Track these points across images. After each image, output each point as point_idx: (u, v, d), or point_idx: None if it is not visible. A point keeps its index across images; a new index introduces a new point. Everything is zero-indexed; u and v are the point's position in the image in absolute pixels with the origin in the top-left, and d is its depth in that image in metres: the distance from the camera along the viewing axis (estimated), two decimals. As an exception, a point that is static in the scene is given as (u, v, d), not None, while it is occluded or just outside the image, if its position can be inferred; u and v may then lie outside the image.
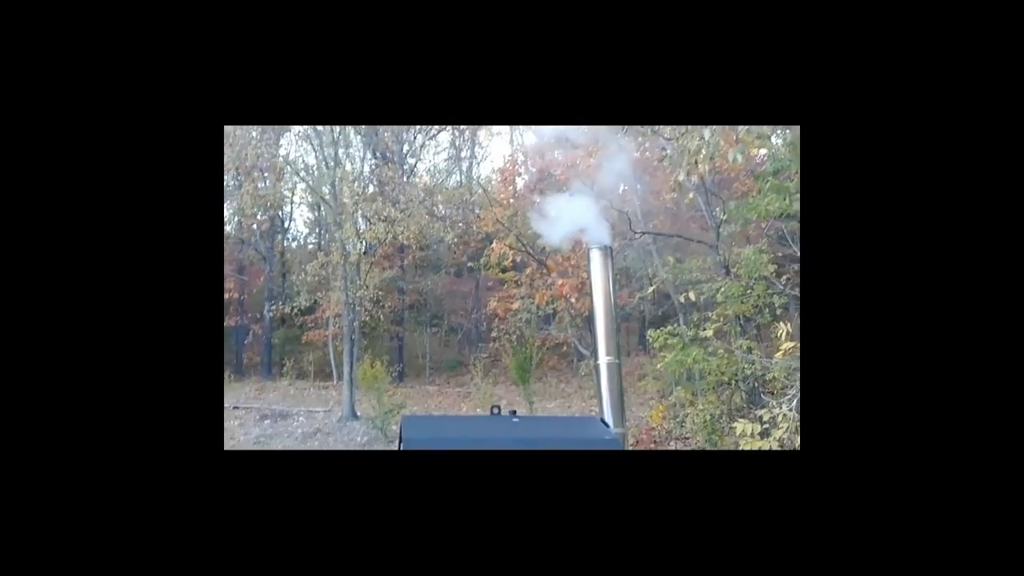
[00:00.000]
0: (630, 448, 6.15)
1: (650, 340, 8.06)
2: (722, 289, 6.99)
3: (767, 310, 7.30)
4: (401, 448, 5.14)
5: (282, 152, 15.49)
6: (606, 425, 5.55)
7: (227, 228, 15.69)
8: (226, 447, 10.64)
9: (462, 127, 17.45)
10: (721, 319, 7.11)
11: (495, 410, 5.70)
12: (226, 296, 13.61)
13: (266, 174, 15.01)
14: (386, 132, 14.34)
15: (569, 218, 6.13)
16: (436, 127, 16.66)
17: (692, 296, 6.72)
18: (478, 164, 20.19)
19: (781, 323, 5.13)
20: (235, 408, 11.72)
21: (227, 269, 13.50)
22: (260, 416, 11.25)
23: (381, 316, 13.98)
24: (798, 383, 5.48)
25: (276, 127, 14.78)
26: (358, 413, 10.97)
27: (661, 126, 4.98)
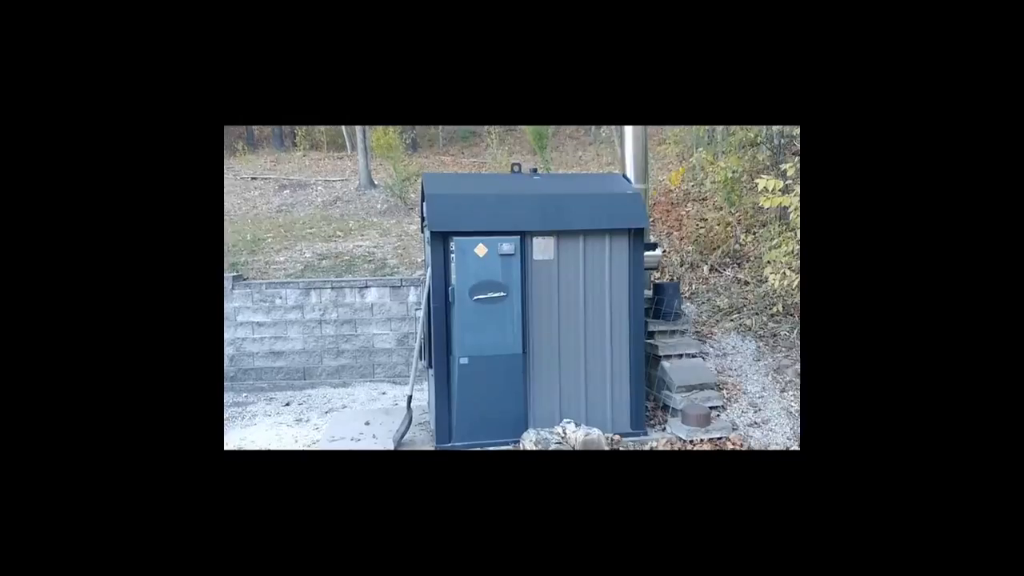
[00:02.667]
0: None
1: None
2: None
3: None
4: (423, 204, 5.21)
5: None
6: (628, 180, 5.53)
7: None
8: (249, 216, 10.67)
9: None
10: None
11: (515, 168, 5.65)
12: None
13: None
14: None
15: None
16: None
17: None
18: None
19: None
20: (253, 179, 11.77)
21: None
22: (279, 186, 11.34)
23: (390, 82, 13.30)
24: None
25: None
26: (376, 182, 11.00)
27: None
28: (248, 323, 7.33)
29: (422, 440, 5.09)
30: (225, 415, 6.16)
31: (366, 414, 5.96)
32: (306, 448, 4.12)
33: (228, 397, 6.87)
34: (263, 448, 5.12)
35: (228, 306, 7.30)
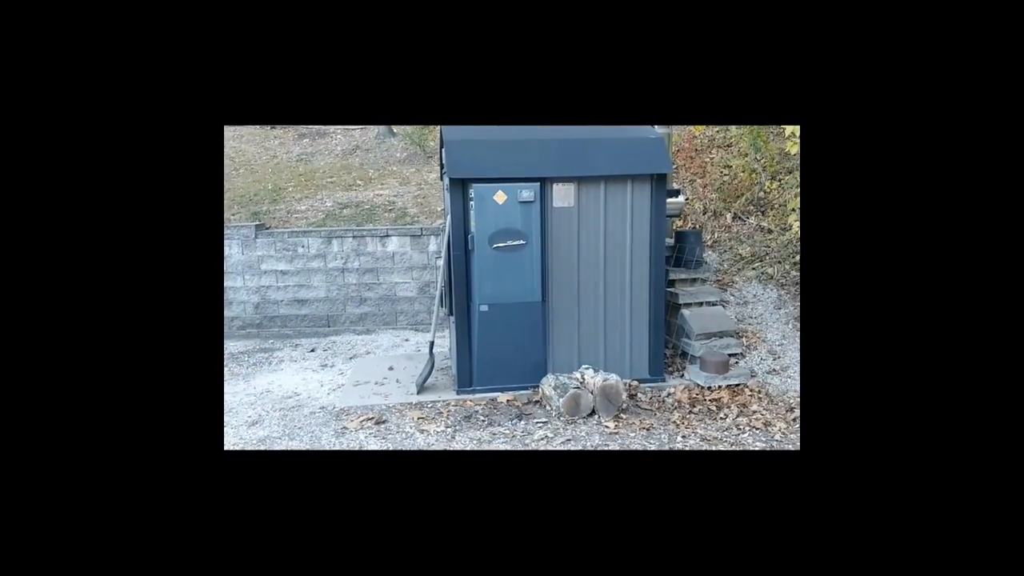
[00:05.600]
0: (672, 149, 6.04)
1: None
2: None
3: None
4: (442, 151, 5.18)
5: None
6: (652, 125, 5.43)
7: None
8: (269, 166, 10.68)
9: None
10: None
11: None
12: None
13: None
14: None
15: None
16: None
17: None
18: None
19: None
20: (272, 128, 11.74)
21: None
22: (299, 135, 11.30)
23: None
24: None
25: None
26: (395, 130, 10.92)
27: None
28: (272, 271, 7.44)
29: (444, 385, 5.21)
30: (252, 360, 6.34)
31: (389, 360, 6.09)
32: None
33: (255, 343, 7.05)
34: (289, 391, 5.28)
35: (252, 255, 7.41)
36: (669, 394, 4.93)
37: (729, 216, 7.12)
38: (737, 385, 4.99)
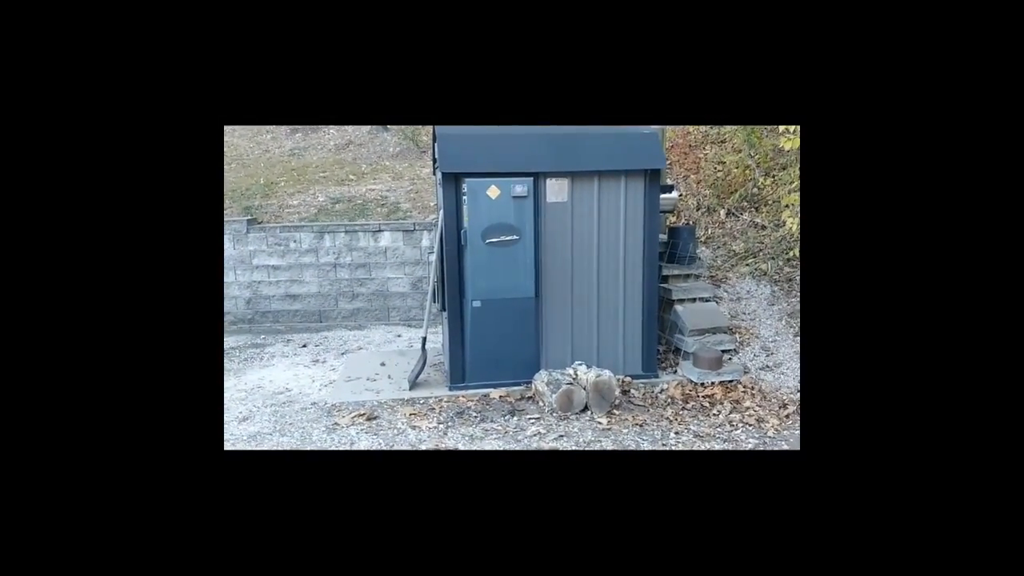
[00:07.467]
0: (665, 146, 6.01)
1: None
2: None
3: None
4: (435, 145, 5.14)
5: None
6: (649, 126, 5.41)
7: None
8: (262, 161, 10.61)
9: None
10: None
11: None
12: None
13: None
14: None
15: None
16: None
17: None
18: None
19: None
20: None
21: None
22: (291, 130, 11.22)
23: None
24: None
25: None
26: (388, 124, 10.86)
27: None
28: (264, 266, 7.39)
29: (436, 381, 5.18)
30: (243, 356, 6.29)
31: (382, 355, 6.06)
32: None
33: (246, 339, 7.00)
34: (282, 386, 5.24)
35: (243, 249, 7.36)
36: (662, 390, 4.93)
37: (723, 212, 7.11)
38: (730, 381, 4.98)
